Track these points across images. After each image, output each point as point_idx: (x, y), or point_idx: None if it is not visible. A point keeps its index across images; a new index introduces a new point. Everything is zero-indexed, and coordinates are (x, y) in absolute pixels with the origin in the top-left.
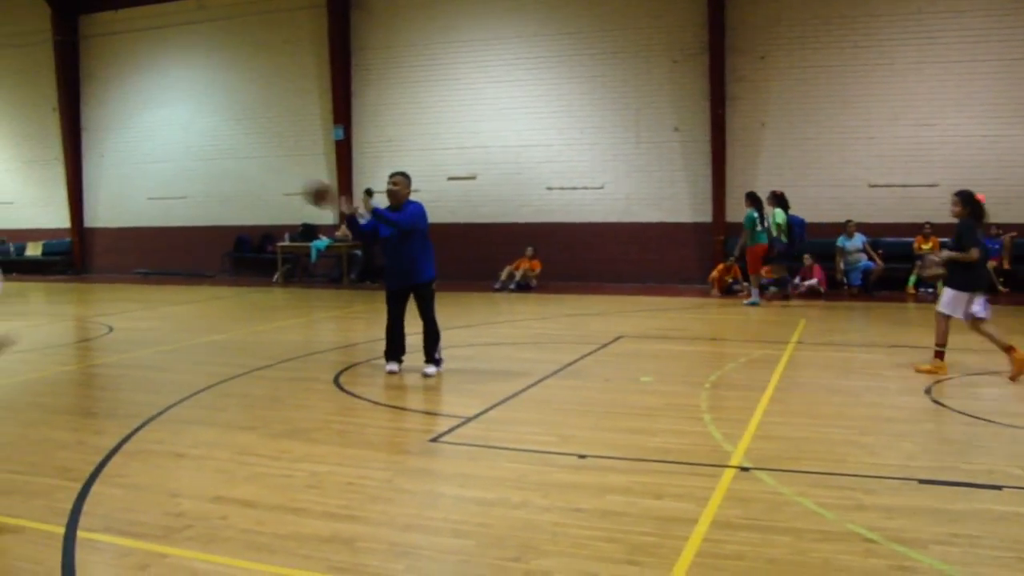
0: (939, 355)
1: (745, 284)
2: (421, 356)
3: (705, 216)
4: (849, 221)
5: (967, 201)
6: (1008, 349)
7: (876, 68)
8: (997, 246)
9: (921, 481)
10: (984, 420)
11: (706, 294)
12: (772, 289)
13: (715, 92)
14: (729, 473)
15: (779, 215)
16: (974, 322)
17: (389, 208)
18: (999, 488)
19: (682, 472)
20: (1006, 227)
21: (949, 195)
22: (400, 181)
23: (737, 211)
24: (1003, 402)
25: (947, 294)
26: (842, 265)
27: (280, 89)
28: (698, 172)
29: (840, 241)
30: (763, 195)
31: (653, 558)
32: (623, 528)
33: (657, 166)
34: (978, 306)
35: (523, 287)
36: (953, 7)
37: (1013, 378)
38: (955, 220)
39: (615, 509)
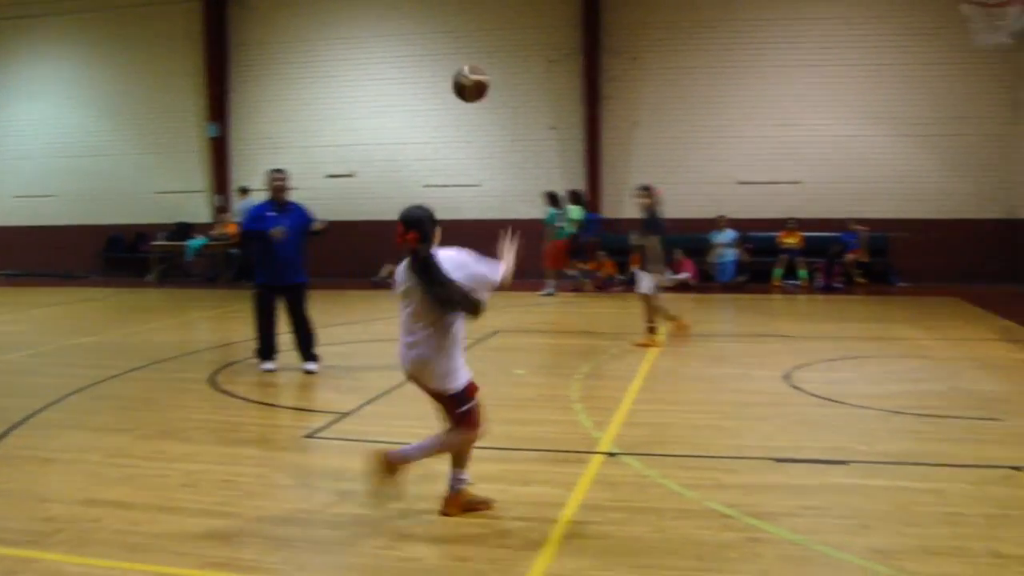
0: (652, 330)
1: (618, 277)
2: (294, 354)
3: None
4: (721, 216)
5: (651, 193)
6: (675, 318)
7: (743, 70)
8: (854, 239)
9: (777, 460)
10: (835, 402)
11: (580, 288)
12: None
13: (589, 92)
14: (598, 459)
15: (575, 211)
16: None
17: (273, 202)
18: (846, 463)
19: (552, 459)
20: (864, 222)
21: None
22: (287, 177)
23: (612, 208)
24: (853, 385)
25: (643, 275)
26: (714, 259)
27: (154, 84)
28: (574, 170)
29: (712, 236)
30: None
31: (522, 541)
32: (494, 514)
33: (534, 164)
34: (650, 282)
35: None
36: (814, 14)
37: (647, 345)
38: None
39: (486, 496)
